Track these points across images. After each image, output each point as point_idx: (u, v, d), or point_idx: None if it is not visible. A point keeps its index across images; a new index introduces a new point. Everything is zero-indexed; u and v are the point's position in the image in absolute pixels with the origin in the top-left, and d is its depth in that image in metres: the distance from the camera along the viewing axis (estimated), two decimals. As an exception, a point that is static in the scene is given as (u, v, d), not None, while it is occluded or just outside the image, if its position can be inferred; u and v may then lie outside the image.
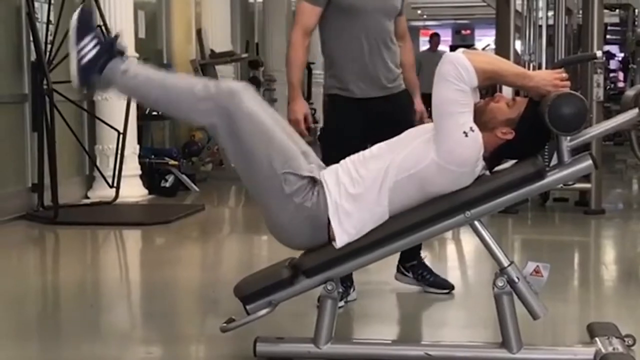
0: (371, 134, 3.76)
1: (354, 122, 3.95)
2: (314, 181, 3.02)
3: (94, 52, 3.07)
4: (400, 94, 4.09)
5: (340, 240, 2.99)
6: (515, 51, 7.71)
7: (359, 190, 2.99)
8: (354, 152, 3.17)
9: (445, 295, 4.17)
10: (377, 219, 3.00)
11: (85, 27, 3.11)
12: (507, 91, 5.61)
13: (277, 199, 3.00)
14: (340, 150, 3.29)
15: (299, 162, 3.02)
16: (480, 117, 2.98)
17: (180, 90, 3.07)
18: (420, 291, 4.20)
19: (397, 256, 4.11)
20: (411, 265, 4.20)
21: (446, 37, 30.40)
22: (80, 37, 3.09)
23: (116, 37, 3.16)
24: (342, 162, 3.13)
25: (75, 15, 3.12)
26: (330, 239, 3.02)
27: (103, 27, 7.03)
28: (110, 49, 3.10)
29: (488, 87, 3.51)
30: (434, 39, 14.90)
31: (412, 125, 3.31)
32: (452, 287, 4.19)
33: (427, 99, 11.61)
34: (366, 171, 3.02)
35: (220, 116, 2.99)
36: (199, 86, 3.05)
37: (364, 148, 3.20)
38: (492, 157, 3.04)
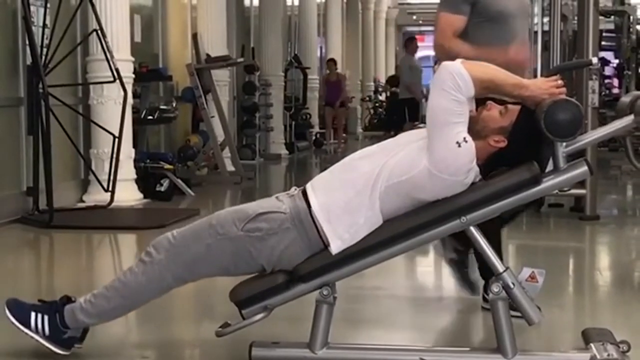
0: None
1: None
2: (275, 208, 3.03)
3: (46, 320, 3.18)
4: None
5: (335, 245, 2.99)
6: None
7: (349, 194, 2.99)
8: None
9: (439, 300, 4.16)
10: (371, 223, 3.00)
11: (21, 313, 3.22)
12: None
13: (260, 252, 3.01)
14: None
15: (246, 212, 3.05)
16: (473, 126, 2.99)
17: (135, 285, 3.15)
18: (415, 297, 4.20)
19: (394, 260, 4.11)
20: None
21: (442, 42, 30.44)
22: (26, 323, 3.20)
23: (53, 301, 3.25)
24: (332, 167, 3.14)
25: (7, 313, 3.22)
26: (325, 244, 3.02)
27: (99, 31, 7.05)
28: (54, 307, 3.20)
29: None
30: (412, 43, 14.87)
31: None
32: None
33: (406, 100, 11.56)
34: (357, 174, 3.02)
35: (175, 265, 3.08)
36: (140, 268, 3.15)
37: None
38: (486, 165, 3.04)
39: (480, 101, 3.10)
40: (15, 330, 3.19)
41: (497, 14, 3.82)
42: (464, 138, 2.92)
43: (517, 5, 3.90)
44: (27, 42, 6.70)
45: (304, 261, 3.06)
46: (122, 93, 7.19)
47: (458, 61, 3.00)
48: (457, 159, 2.92)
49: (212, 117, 9.47)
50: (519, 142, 3.04)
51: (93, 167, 7.48)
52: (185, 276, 3.12)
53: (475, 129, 2.99)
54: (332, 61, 16.77)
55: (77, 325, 3.19)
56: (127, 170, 7.62)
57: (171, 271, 3.08)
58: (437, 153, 2.93)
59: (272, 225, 3.00)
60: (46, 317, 3.18)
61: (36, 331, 3.18)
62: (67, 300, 3.23)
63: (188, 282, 3.16)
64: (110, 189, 7.12)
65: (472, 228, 3.03)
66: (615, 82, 17.11)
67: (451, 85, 2.91)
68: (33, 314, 3.19)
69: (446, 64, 2.99)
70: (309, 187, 3.09)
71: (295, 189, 3.14)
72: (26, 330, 3.19)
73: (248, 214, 3.04)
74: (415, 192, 2.97)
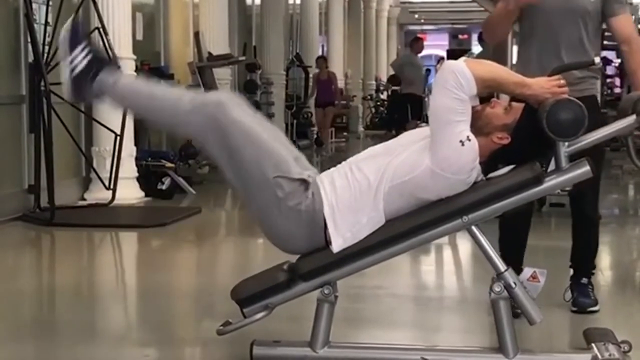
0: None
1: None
2: (305, 184, 3.02)
3: (85, 62, 3.09)
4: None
5: (336, 244, 2.99)
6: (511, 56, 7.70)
7: (355, 193, 3.00)
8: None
9: (440, 300, 4.16)
10: (374, 223, 3.00)
11: (75, 38, 3.12)
12: (504, 97, 5.62)
13: (271, 205, 3.00)
14: None
15: (289, 166, 3.02)
16: (476, 123, 2.99)
17: (169, 102, 3.09)
18: (416, 296, 4.20)
19: (395, 259, 4.11)
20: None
21: (443, 41, 30.50)
22: (71, 47, 3.10)
23: (106, 50, 3.18)
24: (339, 165, 3.14)
25: (65, 27, 3.13)
26: (327, 242, 3.02)
27: (101, 29, 7.05)
28: (101, 59, 3.13)
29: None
30: (417, 42, 14.87)
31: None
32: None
33: (408, 98, 11.63)
34: (362, 175, 3.02)
35: (208, 127, 3.01)
36: (187, 98, 3.06)
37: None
38: (488, 163, 3.04)
39: (484, 98, 3.11)
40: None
41: (535, 8, 3.82)
42: (467, 137, 2.92)
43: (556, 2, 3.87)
44: (29, 40, 6.70)
45: (305, 260, 3.06)
46: (123, 91, 7.18)
47: (461, 59, 3.00)
48: (460, 157, 2.92)
49: (214, 115, 9.46)
50: (522, 140, 3.04)
51: (94, 165, 7.48)
52: (199, 137, 3.06)
53: (478, 126, 2.99)
54: (323, 59, 16.29)
55: (100, 88, 3.09)
56: (129, 168, 7.61)
57: (208, 128, 3.01)
58: (440, 152, 2.93)
59: (295, 195, 2.98)
60: (89, 57, 3.08)
61: (71, 62, 3.08)
62: (117, 67, 3.16)
63: (193, 138, 3.07)
64: (111, 187, 7.12)
65: (473, 227, 3.03)
66: (617, 81, 17.10)
67: (453, 84, 2.91)
68: (84, 45, 3.09)
69: (448, 62, 3.00)
70: (320, 181, 3.07)
71: (313, 176, 3.10)
72: (67, 52, 3.08)
73: (288, 171, 3.00)
74: (418, 192, 2.97)
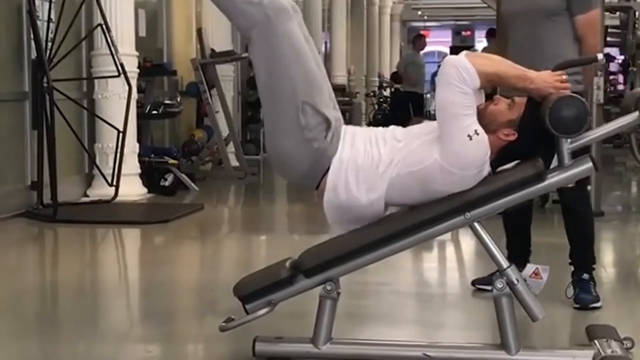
0: None
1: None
2: (328, 123, 3.01)
3: None
4: None
5: (327, 198, 3.00)
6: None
7: (365, 164, 2.99)
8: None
9: (443, 296, 4.17)
10: (371, 200, 2.99)
11: None
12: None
13: (289, 126, 2.99)
14: None
15: (322, 99, 3.02)
16: (481, 120, 2.98)
17: None
18: (418, 292, 4.20)
19: (397, 256, 4.12)
20: None
21: (446, 38, 30.46)
22: None
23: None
24: (364, 130, 3.13)
25: None
26: (319, 187, 3.03)
27: (104, 26, 7.05)
28: None
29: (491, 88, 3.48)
30: (419, 40, 14.84)
31: None
32: None
33: (410, 96, 11.63)
34: (377, 152, 3.01)
35: (262, 25, 2.98)
36: None
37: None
38: (496, 159, 3.04)
39: (487, 96, 3.10)
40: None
41: (502, 12, 3.96)
42: (475, 130, 2.91)
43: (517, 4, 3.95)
44: (31, 37, 6.70)
45: (308, 256, 3.06)
46: (126, 88, 7.19)
47: (462, 54, 3.00)
48: (469, 152, 2.91)
49: (217, 112, 9.47)
50: (529, 134, 3.03)
51: (97, 162, 7.48)
52: (255, 36, 3.01)
53: (483, 123, 2.98)
54: None
55: None
56: (132, 165, 7.62)
57: (261, 25, 2.98)
58: (449, 147, 2.93)
59: (315, 130, 2.98)
60: None
61: None
62: None
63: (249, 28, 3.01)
64: (114, 183, 7.12)
65: (476, 224, 3.03)
66: (620, 78, 17.08)
67: (456, 78, 2.91)
68: None
69: (450, 57, 2.99)
70: (344, 132, 3.05)
71: (338, 119, 3.08)
72: None
73: (320, 103, 2.99)
74: (425, 184, 2.96)
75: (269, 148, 3.11)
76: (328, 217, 3.08)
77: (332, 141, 3.01)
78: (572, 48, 3.94)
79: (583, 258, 4.04)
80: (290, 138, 2.99)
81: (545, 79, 3.06)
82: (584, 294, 3.96)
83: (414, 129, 3.15)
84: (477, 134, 2.91)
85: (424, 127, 3.14)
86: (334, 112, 3.08)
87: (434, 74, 17.24)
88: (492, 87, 3.19)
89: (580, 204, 4.02)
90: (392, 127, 3.14)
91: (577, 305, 3.94)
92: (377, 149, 3.02)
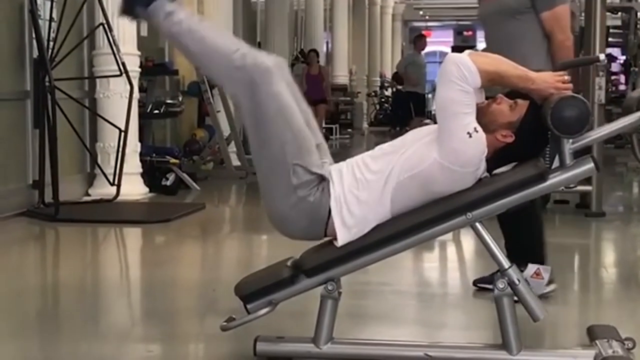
0: None
1: None
2: (321, 178, 3.03)
3: None
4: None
5: (342, 237, 2.99)
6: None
7: (362, 192, 3.00)
8: None
9: (444, 296, 4.16)
10: (380, 218, 3.00)
11: None
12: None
13: (282, 187, 3.00)
14: None
15: (312, 157, 3.02)
16: (481, 119, 2.98)
17: (219, 52, 3.05)
18: (420, 292, 4.20)
19: (399, 256, 4.12)
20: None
21: (448, 37, 30.47)
22: None
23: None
24: (348, 160, 3.13)
25: None
26: (327, 234, 3.03)
27: (106, 25, 7.05)
28: None
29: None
30: (420, 40, 14.82)
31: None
32: None
33: (411, 96, 11.63)
34: (370, 174, 3.02)
35: (247, 89, 2.99)
36: (237, 54, 3.02)
37: None
38: (492, 160, 3.04)
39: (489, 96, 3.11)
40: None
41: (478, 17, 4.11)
42: (475, 128, 2.91)
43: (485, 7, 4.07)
44: (33, 36, 6.70)
45: (309, 255, 3.06)
46: (128, 87, 7.19)
47: (465, 52, 3.00)
48: (467, 149, 2.92)
49: (218, 111, 9.47)
50: (526, 138, 3.03)
51: (99, 161, 7.49)
52: (242, 100, 3.03)
53: (483, 123, 2.98)
54: (314, 52, 14.71)
55: (153, 14, 3.07)
56: (133, 164, 7.62)
57: (247, 89, 3.00)
58: (448, 144, 2.93)
59: (308, 186, 2.99)
60: None
61: None
62: None
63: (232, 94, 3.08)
64: (116, 182, 7.13)
65: (477, 224, 3.03)
66: (622, 78, 17.08)
67: (457, 76, 2.91)
68: None
69: (452, 55, 2.99)
70: (330, 174, 3.06)
71: (325, 161, 3.10)
72: None
73: (310, 162, 2.99)
74: (426, 186, 2.96)
75: (266, 209, 3.11)
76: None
77: (324, 190, 3.02)
78: (540, 45, 3.95)
79: (524, 255, 3.97)
80: (285, 198, 3.00)
81: (547, 80, 3.06)
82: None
83: (407, 135, 3.15)
84: (477, 131, 2.92)
85: (417, 132, 3.14)
86: (324, 160, 3.08)
87: None
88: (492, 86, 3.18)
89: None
90: (377, 147, 3.15)
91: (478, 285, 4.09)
92: (368, 169, 3.03)
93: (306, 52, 15.42)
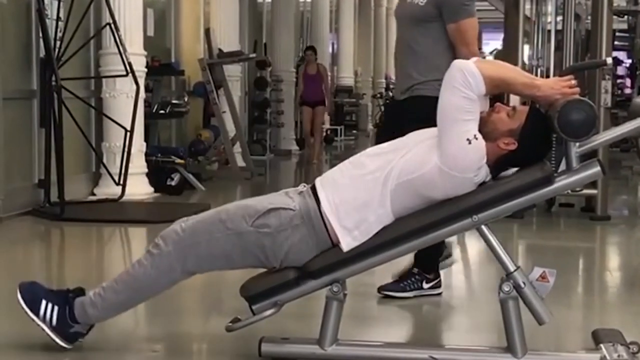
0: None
1: (387, 121, 4.05)
2: (280, 208, 3.03)
3: (55, 311, 3.16)
4: (409, 100, 4.08)
5: (345, 242, 3.00)
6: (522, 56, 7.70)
7: (360, 191, 3.00)
8: None
9: (449, 299, 4.16)
10: (382, 220, 3.00)
11: (33, 299, 3.20)
12: (515, 97, 5.61)
13: (273, 248, 3.01)
14: None
15: (255, 208, 3.05)
16: (483, 128, 2.99)
17: (144, 277, 3.14)
18: (424, 294, 4.19)
19: (404, 258, 4.12)
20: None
21: (454, 40, 30.42)
22: (35, 310, 3.18)
23: (67, 290, 3.23)
24: (340, 165, 3.14)
25: (18, 296, 3.21)
26: (334, 243, 3.03)
27: (112, 25, 7.06)
28: (66, 299, 3.19)
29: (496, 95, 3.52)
30: None
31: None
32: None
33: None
34: (367, 171, 3.02)
35: (183, 256, 3.07)
36: (148, 260, 3.14)
37: None
38: (497, 166, 3.04)
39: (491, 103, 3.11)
40: (25, 316, 3.20)
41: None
42: (475, 135, 2.92)
43: (402, 10, 4.13)
44: (40, 35, 6.72)
45: (315, 258, 3.06)
46: (134, 87, 7.20)
47: (472, 59, 3.00)
48: (467, 156, 2.92)
49: (224, 112, 9.48)
50: (528, 144, 3.03)
51: (104, 161, 7.50)
52: (193, 269, 3.12)
53: (485, 132, 2.98)
54: (311, 50, 13.23)
55: (85, 320, 3.19)
56: (138, 164, 7.64)
57: (180, 263, 3.08)
58: (448, 150, 2.93)
59: (281, 221, 3.01)
60: (56, 308, 3.17)
61: (43, 320, 3.17)
62: (80, 292, 3.22)
63: (197, 274, 3.16)
64: (121, 182, 7.14)
65: (483, 227, 3.03)
66: (628, 82, 17.08)
67: (462, 82, 2.92)
68: (44, 302, 3.18)
69: (457, 61, 3.00)
70: (318, 183, 3.09)
71: (305, 186, 3.14)
72: (34, 317, 3.18)
73: (257, 209, 3.04)
74: (425, 190, 2.97)
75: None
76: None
77: (301, 203, 3.03)
78: (444, 54, 3.98)
79: (424, 257, 4.09)
80: (280, 248, 3.01)
81: (552, 86, 3.05)
82: (394, 284, 4.11)
83: (408, 136, 3.15)
84: (476, 138, 2.93)
85: (419, 134, 3.14)
86: (293, 198, 3.08)
87: None
88: (497, 93, 3.19)
89: None
90: (375, 146, 3.17)
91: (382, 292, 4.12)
92: (365, 170, 3.04)
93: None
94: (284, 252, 3.01)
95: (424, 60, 4.02)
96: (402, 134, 3.20)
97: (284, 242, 3.00)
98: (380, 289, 4.12)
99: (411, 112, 3.98)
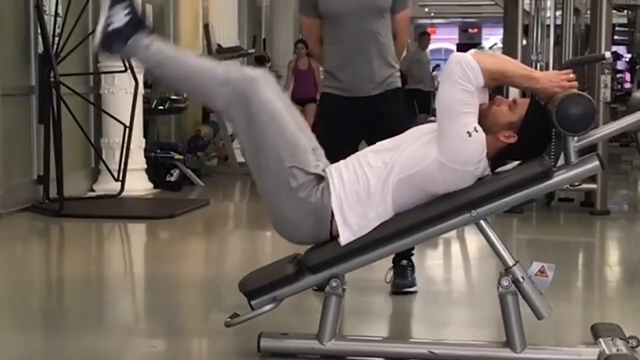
0: (361, 132, 3.96)
1: (339, 119, 4.04)
2: (319, 178, 3.03)
3: (122, 22, 3.09)
4: (388, 93, 4.09)
5: (344, 236, 3.00)
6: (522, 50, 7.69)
7: (363, 188, 3.00)
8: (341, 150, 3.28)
9: (448, 294, 4.16)
10: (382, 216, 3.01)
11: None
12: (515, 90, 5.61)
13: (282, 192, 3.02)
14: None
15: (308, 158, 3.03)
16: (483, 122, 2.98)
17: (201, 72, 3.09)
18: (424, 290, 4.20)
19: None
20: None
21: (453, 35, 30.44)
22: (113, 3, 3.10)
23: (144, 13, 3.18)
24: (348, 158, 3.14)
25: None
26: (333, 235, 3.03)
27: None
28: (138, 22, 3.12)
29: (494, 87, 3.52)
30: (424, 38, 14.79)
31: (401, 123, 3.29)
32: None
33: (415, 94, 11.61)
34: (370, 169, 3.03)
35: (236, 102, 3.01)
36: (220, 70, 3.07)
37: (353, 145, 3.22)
38: (496, 159, 3.04)
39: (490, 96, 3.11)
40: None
41: (326, 14, 4.05)
42: (475, 128, 2.92)
43: (347, 5, 4.04)
44: (39, 31, 6.71)
45: (313, 252, 3.07)
46: (133, 83, 7.20)
47: (470, 52, 3.00)
48: (467, 148, 2.92)
49: (223, 107, 9.46)
50: (529, 137, 3.03)
51: (103, 157, 7.50)
52: (231, 111, 3.06)
53: (486, 125, 2.98)
54: (302, 43, 11.76)
55: (132, 48, 3.11)
56: (138, 160, 7.63)
57: (236, 103, 3.02)
58: (448, 143, 2.93)
59: (307, 187, 3.00)
60: (127, 18, 3.08)
61: (108, 17, 3.09)
62: (149, 30, 3.14)
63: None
64: (120, 178, 7.13)
65: (482, 221, 3.03)
66: (627, 76, 17.07)
67: (460, 75, 2.91)
68: (124, 6, 3.09)
69: (456, 54, 3.00)
70: (330, 173, 3.08)
71: (323, 167, 3.10)
72: (106, 6, 3.09)
73: (306, 163, 3.01)
74: (426, 185, 2.97)
75: (270, 216, 3.13)
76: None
77: (324, 190, 3.03)
78: (392, 44, 4.13)
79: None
80: (288, 202, 3.02)
81: (551, 79, 3.05)
82: (400, 279, 4.10)
83: (406, 133, 3.15)
84: (476, 131, 2.92)
85: (417, 130, 3.14)
86: (320, 163, 3.09)
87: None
88: (496, 86, 3.19)
89: None
90: (377, 143, 3.16)
91: (394, 289, 4.09)
92: (368, 167, 3.04)
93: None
94: (290, 208, 3.01)
95: (390, 52, 4.09)
96: (383, 130, 3.19)
97: (298, 200, 3.00)
98: (396, 291, 4.11)
99: (393, 105, 4.06)
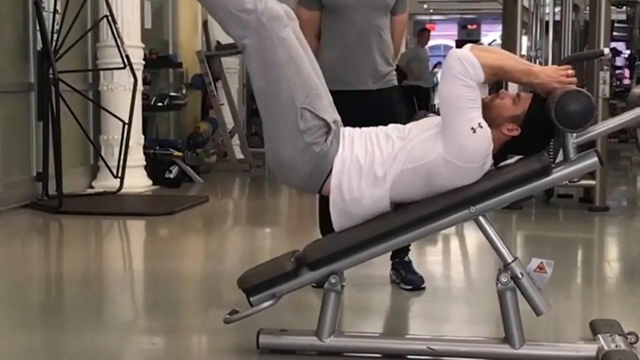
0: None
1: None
2: (328, 127, 3.03)
3: None
4: (387, 90, 4.12)
5: (333, 198, 3.01)
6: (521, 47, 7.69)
7: (367, 164, 3.00)
8: None
9: (447, 290, 4.16)
10: (375, 199, 3.00)
11: None
12: (514, 85, 5.61)
13: (288, 131, 3.00)
14: None
15: (321, 104, 3.03)
16: (486, 115, 2.98)
17: None
18: (423, 286, 4.20)
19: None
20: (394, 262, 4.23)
21: (452, 31, 30.42)
22: None
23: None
24: (362, 130, 3.13)
25: None
26: (322, 191, 3.05)
27: (110, 18, 7.05)
28: None
29: (494, 82, 3.52)
30: (423, 34, 14.80)
31: (400, 123, 3.28)
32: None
33: (414, 90, 11.64)
34: (379, 150, 3.02)
35: (256, 32, 2.99)
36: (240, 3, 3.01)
37: None
38: (499, 153, 3.04)
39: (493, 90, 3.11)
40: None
41: (331, 4, 4.05)
42: (479, 123, 2.91)
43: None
44: (37, 28, 6.71)
45: (312, 249, 3.07)
46: (132, 79, 7.19)
47: (467, 47, 3.00)
48: (472, 144, 2.92)
49: (222, 104, 9.47)
50: (532, 131, 3.03)
51: (102, 153, 7.49)
52: (248, 42, 3.01)
53: (489, 118, 2.98)
54: None
55: None
56: (137, 156, 7.63)
57: (256, 33, 2.99)
58: (452, 140, 2.93)
59: (314, 133, 3.00)
60: None
61: None
62: None
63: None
64: (119, 175, 7.13)
65: (481, 218, 3.03)
66: (627, 72, 17.08)
67: (460, 71, 2.91)
68: None
69: (455, 50, 3.00)
70: (344, 135, 3.07)
71: (337, 122, 3.10)
72: None
73: (318, 107, 3.01)
74: (430, 179, 2.97)
75: (269, 154, 3.12)
76: (335, 223, 3.07)
77: (332, 144, 3.02)
78: (392, 41, 4.19)
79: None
80: (291, 143, 3.01)
81: (550, 74, 3.05)
82: (411, 274, 4.14)
83: (415, 124, 3.15)
84: (481, 127, 2.92)
85: (425, 123, 3.14)
86: (333, 115, 3.10)
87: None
88: (495, 81, 3.19)
89: None
90: (391, 125, 3.15)
91: (409, 287, 4.11)
92: (378, 147, 3.03)
93: None
94: (293, 150, 3.00)
95: (389, 50, 4.14)
96: (373, 124, 3.19)
97: (304, 145, 2.99)
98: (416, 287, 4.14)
99: (392, 103, 4.09)
